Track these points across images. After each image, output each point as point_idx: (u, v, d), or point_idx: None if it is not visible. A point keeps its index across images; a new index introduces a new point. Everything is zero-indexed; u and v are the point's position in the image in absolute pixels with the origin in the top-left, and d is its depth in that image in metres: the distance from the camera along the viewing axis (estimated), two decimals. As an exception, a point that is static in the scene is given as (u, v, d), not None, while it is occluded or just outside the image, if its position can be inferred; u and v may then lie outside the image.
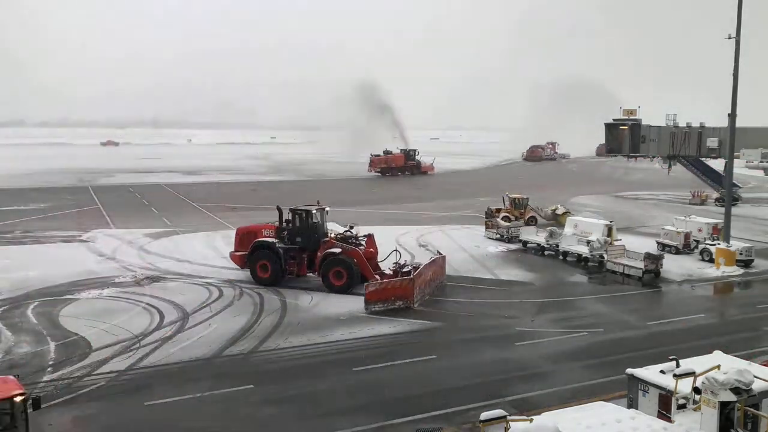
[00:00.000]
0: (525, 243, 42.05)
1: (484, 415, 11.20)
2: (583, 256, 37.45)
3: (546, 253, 40.17)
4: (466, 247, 41.85)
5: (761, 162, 69.23)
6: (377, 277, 30.74)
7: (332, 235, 32.67)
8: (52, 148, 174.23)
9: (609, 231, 39.88)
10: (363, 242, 32.83)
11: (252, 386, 19.65)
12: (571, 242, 39.41)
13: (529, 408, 17.79)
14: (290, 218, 32.77)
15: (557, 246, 39.56)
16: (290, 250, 31.93)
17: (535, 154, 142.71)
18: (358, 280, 30.31)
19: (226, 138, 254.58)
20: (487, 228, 45.53)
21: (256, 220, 38.22)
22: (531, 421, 11.26)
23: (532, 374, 20.76)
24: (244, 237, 33.40)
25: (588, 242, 37.91)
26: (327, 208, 33.56)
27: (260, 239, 32.37)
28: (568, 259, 38.53)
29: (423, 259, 37.77)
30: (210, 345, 23.05)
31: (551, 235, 40.06)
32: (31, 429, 16.77)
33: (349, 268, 30.50)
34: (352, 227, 42.59)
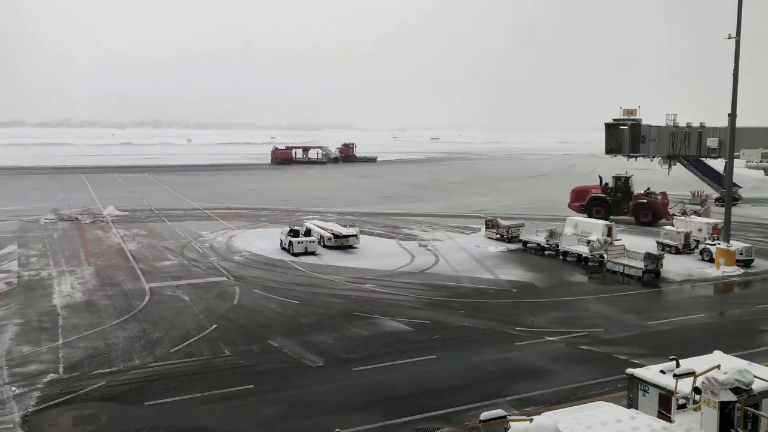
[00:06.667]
0: (525, 243, 42.05)
1: (484, 415, 11.17)
2: (583, 256, 37.45)
3: (546, 253, 40.18)
4: (466, 247, 41.88)
5: (761, 162, 69.12)
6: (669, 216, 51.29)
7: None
8: (53, 148, 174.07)
9: (609, 231, 39.89)
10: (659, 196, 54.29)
11: (252, 386, 19.65)
12: (571, 242, 39.42)
13: (528, 408, 17.81)
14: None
15: (557, 246, 39.57)
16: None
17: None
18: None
19: (226, 138, 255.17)
20: (487, 228, 45.53)
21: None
22: (531, 421, 11.23)
23: (532, 374, 20.74)
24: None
25: (588, 242, 37.92)
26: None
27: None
28: (568, 259, 38.53)
29: (425, 259, 37.95)
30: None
31: (551, 235, 40.07)
32: (31, 429, 16.85)
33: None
34: (353, 226, 43.31)
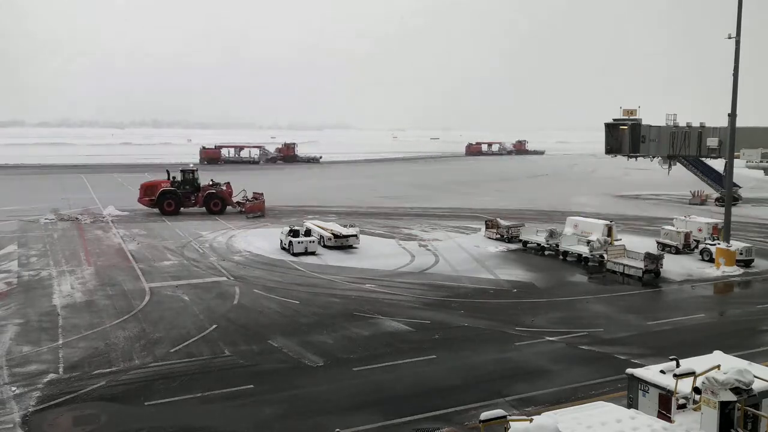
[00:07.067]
0: (525, 243, 42.05)
1: (484, 415, 11.17)
2: (583, 256, 37.46)
3: (546, 253, 40.18)
4: (466, 247, 41.88)
5: (761, 162, 69.19)
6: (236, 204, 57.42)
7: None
8: (53, 148, 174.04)
9: (609, 231, 39.90)
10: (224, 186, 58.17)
11: (252, 386, 19.66)
12: (571, 242, 39.42)
13: (528, 408, 17.81)
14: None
15: (557, 246, 39.57)
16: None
17: None
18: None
19: (226, 138, 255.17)
20: (487, 228, 45.54)
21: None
22: (531, 421, 11.23)
23: (532, 374, 20.75)
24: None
25: (588, 242, 37.92)
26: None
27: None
28: (568, 259, 38.53)
29: (425, 259, 37.95)
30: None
31: (551, 235, 40.08)
32: (31, 429, 16.84)
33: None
34: (353, 226, 43.45)
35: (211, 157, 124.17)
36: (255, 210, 55.65)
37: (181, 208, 56.44)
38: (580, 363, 21.82)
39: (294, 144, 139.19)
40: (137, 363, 21.37)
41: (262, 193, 57.55)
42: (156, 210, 56.04)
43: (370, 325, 25.54)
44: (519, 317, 26.88)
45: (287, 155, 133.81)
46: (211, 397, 18.84)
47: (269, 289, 31.01)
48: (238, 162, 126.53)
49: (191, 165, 62.22)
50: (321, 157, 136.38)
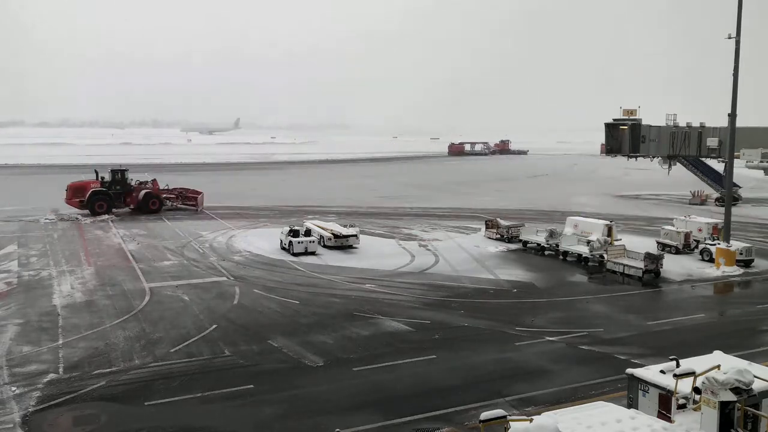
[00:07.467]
0: (525, 243, 42.05)
1: (484, 415, 11.18)
2: (583, 256, 37.45)
3: (546, 253, 40.18)
4: (466, 247, 41.87)
5: (761, 162, 69.19)
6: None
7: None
8: (53, 148, 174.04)
9: (609, 231, 39.90)
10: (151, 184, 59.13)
11: (252, 386, 19.65)
12: (571, 242, 39.41)
13: (528, 408, 17.81)
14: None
15: (557, 246, 39.56)
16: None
17: None
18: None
19: (226, 138, 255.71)
20: (487, 228, 45.52)
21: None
22: (531, 421, 11.24)
23: (532, 374, 20.75)
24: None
25: (588, 242, 37.92)
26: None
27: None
28: (568, 259, 38.53)
29: (425, 259, 37.93)
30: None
31: (551, 235, 40.07)
32: (31, 429, 16.84)
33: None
34: (353, 226, 43.56)
35: (457, 151, 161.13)
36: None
37: (113, 209, 55.67)
38: (580, 363, 21.82)
39: (508, 140, 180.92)
40: (137, 363, 21.37)
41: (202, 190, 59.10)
42: (86, 211, 54.73)
43: (370, 325, 25.54)
44: (519, 317, 26.88)
45: (503, 149, 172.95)
46: (211, 397, 18.84)
47: (269, 289, 31.02)
48: (474, 154, 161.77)
49: (121, 165, 60.76)
50: (528, 151, 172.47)
